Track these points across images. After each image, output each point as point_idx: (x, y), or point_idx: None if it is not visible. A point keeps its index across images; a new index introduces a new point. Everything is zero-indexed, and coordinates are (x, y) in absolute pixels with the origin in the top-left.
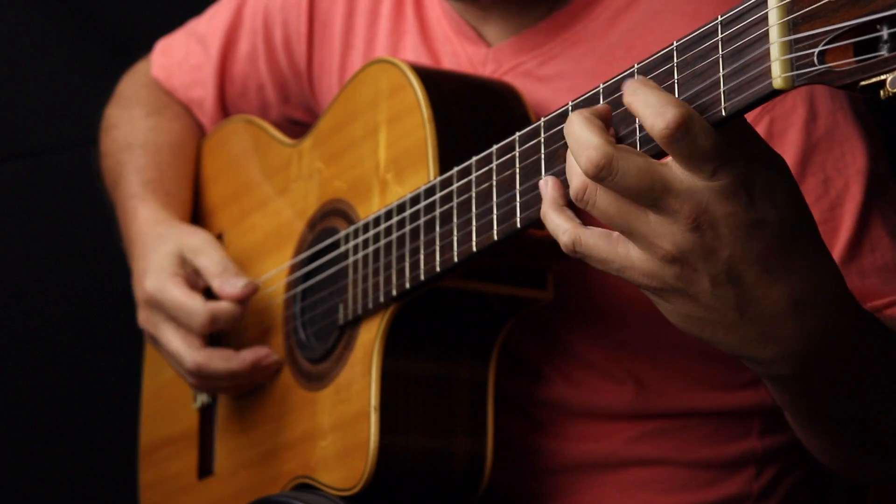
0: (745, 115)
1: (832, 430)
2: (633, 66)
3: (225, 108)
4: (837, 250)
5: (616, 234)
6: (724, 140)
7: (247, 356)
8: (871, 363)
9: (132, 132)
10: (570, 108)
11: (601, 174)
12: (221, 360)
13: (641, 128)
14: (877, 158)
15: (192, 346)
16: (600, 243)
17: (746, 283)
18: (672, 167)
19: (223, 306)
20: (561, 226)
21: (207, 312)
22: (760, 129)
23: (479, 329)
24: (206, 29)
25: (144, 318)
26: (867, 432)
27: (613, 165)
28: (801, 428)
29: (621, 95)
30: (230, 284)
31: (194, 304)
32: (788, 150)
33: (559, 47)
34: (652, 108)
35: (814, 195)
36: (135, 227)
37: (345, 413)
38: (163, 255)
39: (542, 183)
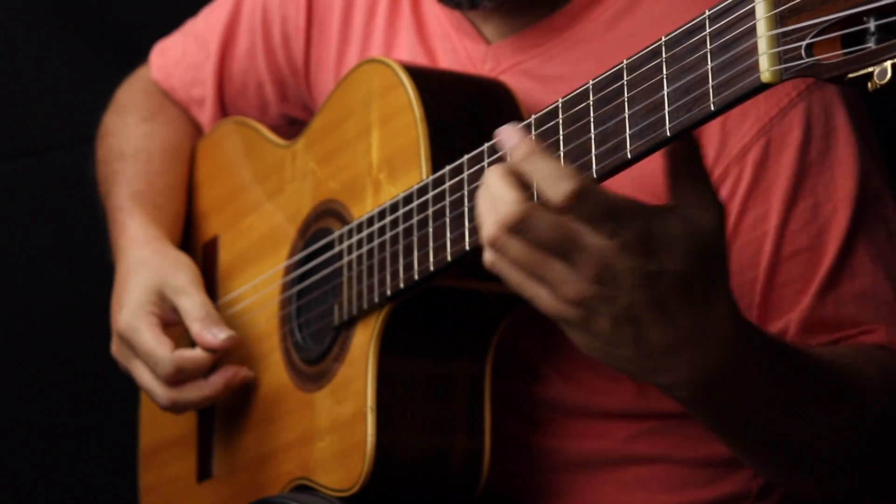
0: (744, 132)
1: (756, 451)
2: (622, 63)
3: (224, 107)
4: (819, 277)
5: None
6: (620, 200)
7: (217, 380)
8: (780, 391)
9: (125, 140)
10: (559, 105)
11: (515, 227)
12: (194, 389)
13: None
14: (870, 177)
15: (161, 384)
16: (514, 273)
17: (643, 324)
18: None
19: (189, 356)
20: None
21: (173, 363)
22: (757, 150)
23: (475, 327)
24: (203, 27)
25: (116, 349)
26: (792, 453)
27: (526, 222)
28: (729, 448)
29: (608, 93)
30: (210, 333)
31: (162, 353)
32: (783, 172)
33: (558, 48)
34: (546, 180)
35: (802, 220)
36: (122, 242)
37: (342, 414)
38: (142, 289)
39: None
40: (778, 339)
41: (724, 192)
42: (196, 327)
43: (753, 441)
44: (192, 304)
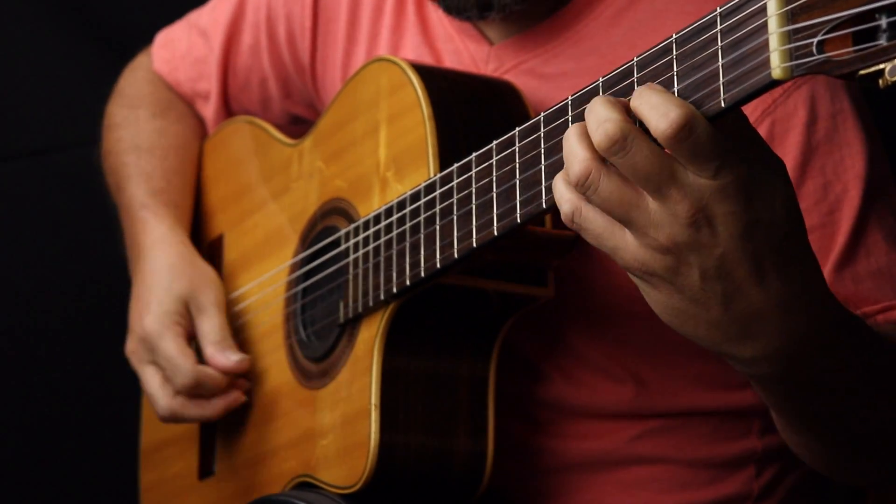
0: (747, 117)
1: (815, 430)
2: (633, 60)
3: (227, 102)
4: (834, 254)
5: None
6: (726, 141)
7: (219, 404)
8: (855, 367)
9: (137, 134)
10: (569, 102)
11: (614, 148)
12: (197, 407)
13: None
14: (876, 161)
15: (168, 394)
16: (599, 219)
17: (735, 281)
18: (678, 162)
19: (210, 374)
20: (565, 195)
21: (194, 375)
22: (762, 131)
23: (480, 326)
24: (207, 21)
25: (132, 349)
26: (850, 433)
27: (628, 141)
28: (785, 426)
29: (620, 90)
30: (224, 356)
31: (185, 363)
32: (789, 152)
33: (562, 46)
34: (656, 110)
35: (812, 199)
36: (146, 242)
37: (345, 411)
38: (171, 297)
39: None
40: (852, 313)
41: None
42: (210, 350)
43: (815, 420)
44: (211, 327)
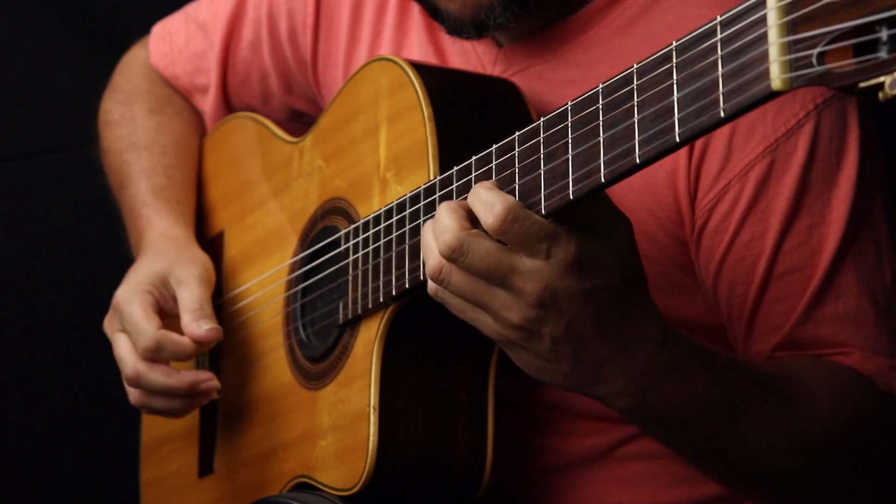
0: (749, 149)
1: (700, 460)
2: (633, 67)
3: (227, 96)
4: (806, 297)
5: None
6: (550, 224)
7: (186, 376)
8: (713, 399)
9: (135, 131)
10: (568, 108)
11: (453, 255)
12: (161, 374)
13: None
14: (864, 200)
15: (134, 357)
16: (457, 300)
17: (581, 339)
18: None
19: (173, 337)
20: (429, 279)
21: (155, 338)
22: (761, 168)
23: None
24: (206, 15)
25: (107, 321)
26: (733, 463)
27: (465, 247)
28: (676, 454)
29: (618, 98)
30: (196, 324)
31: (147, 326)
32: (783, 192)
33: (571, 52)
34: (484, 205)
35: (797, 240)
36: (147, 238)
37: (344, 412)
38: (149, 271)
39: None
40: (705, 346)
41: (723, 208)
42: (186, 318)
43: (695, 450)
44: (189, 297)
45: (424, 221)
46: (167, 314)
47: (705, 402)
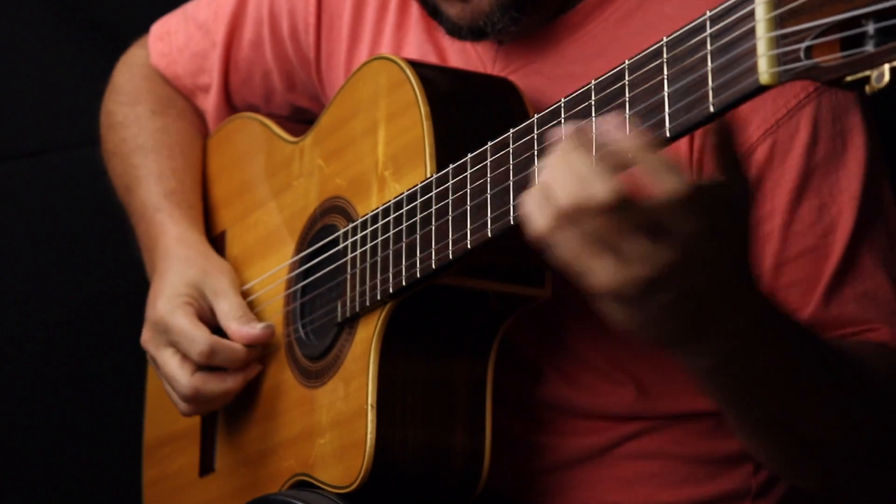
0: (750, 132)
1: (761, 430)
2: (624, 63)
3: (229, 96)
4: (825, 277)
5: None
6: (705, 194)
7: (238, 376)
8: (796, 369)
9: (140, 133)
10: (562, 105)
11: (612, 208)
12: (217, 381)
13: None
14: (873, 181)
15: (188, 372)
16: (572, 246)
17: (706, 297)
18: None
19: (225, 343)
20: (540, 210)
21: (209, 342)
22: (762, 151)
23: (478, 326)
24: (206, 15)
25: (148, 337)
26: (795, 434)
27: (626, 204)
28: (736, 427)
29: (610, 93)
30: (250, 326)
31: (199, 333)
32: (788, 173)
33: (569, 48)
34: (657, 172)
35: (808, 220)
36: (163, 243)
37: (343, 410)
38: (184, 282)
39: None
40: (795, 319)
41: None
42: (234, 325)
43: (765, 422)
44: (230, 306)
45: (421, 219)
46: (207, 324)
47: (791, 372)
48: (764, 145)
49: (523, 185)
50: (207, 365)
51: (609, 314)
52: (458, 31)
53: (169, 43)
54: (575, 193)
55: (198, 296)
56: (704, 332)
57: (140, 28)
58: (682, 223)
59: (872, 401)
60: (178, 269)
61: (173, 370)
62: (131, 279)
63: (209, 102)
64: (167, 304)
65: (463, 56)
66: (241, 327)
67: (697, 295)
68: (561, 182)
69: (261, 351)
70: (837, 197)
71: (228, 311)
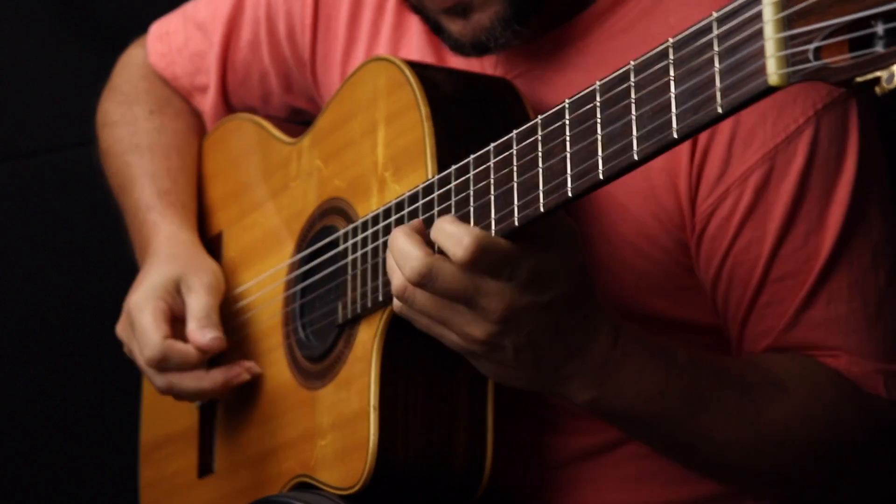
0: (748, 155)
1: (671, 454)
2: (629, 64)
3: (226, 95)
4: (798, 299)
5: None
6: (513, 247)
7: (217, 376)
8: (671, 392)
9: (136, 132)
10: (566, 106)
11: (422, 280)
12: (191, 379)
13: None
14: (861, 200)
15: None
16: (423, 318)
17: (542, 346)
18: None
19: (178, 347)
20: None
21: (160, 348)
22: (759, 175)
23: None
24: (205, 15)
25: (122, 327)
26: (702, 455)
27: (432, 273)
28: (654, 451)
29: (615, 95)
30: (200, 332)
31: (153, 336)
32: (782, 199)
33: (572, 56)
34: (451, 239)
35: (793, 245)
36: (154, 242)
37: (344, 412)
38: (162, 277)
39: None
40: (664, 342)
41: (721, 213)
42: (191, 326)
43: (664, 445)
44: (198, 305)
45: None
46: (180, 320)
47: (664, 395)
48: (760, 170)
49: (527, 186)
50: (158, 368)
51: (478, 369)
52: (461, 48)
53: (168, 43)
54: (397, 275)
55: (173, 291)
56: (562, 375)
57: (139, 28)
58: (491, 281)
59: (776, 421)
60: (160, 265)
61: (144, 365)
62: (130, 279)
63: (207, 103)
64: (139, 298)
65: (463, 61)
66: (194, 330)
67: (535, 346)
68: (389, 273)
69: (209, 357)
70: (824, 222)
71: (194, 309)
